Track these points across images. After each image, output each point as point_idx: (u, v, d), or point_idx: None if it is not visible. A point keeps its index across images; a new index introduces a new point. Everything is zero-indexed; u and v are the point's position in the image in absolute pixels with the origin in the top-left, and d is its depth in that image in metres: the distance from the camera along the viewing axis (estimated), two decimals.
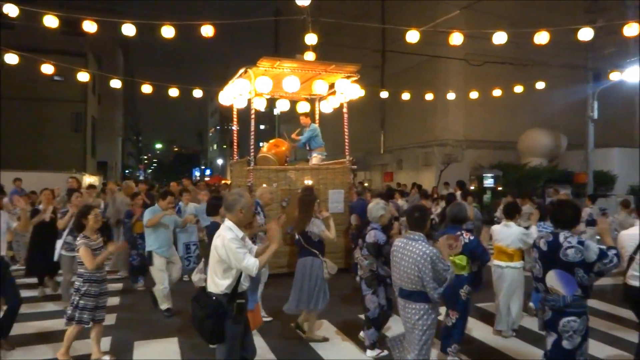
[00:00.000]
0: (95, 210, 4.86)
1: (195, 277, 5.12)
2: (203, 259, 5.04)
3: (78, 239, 4.65)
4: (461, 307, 4.78)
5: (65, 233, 6.51)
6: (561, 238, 3.51)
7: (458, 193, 10.73)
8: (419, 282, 3.67)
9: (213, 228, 4.27)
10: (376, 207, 5.12)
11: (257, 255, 3.50)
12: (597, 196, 9.78)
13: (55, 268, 7.29)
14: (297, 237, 5.56)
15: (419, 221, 3.87)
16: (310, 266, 5.31)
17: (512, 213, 5.77)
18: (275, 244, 3.50)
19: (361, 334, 5.37)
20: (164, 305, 6.45)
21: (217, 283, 3.42)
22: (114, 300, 7.02)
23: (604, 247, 3.54)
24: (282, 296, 5.70)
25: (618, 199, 17.68)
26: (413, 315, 3.78)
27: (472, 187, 18.96)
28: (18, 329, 5.57)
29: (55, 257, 6.56)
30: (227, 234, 3.37)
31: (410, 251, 3.73)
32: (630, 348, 5.29)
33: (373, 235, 4.96)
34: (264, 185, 8.05)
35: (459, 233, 4.70)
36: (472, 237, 4.78)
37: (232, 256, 3.32)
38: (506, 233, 5.62)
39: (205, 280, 3.66)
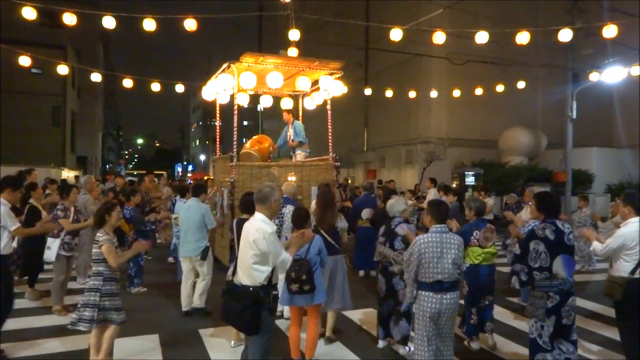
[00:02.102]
0: (118, 207, 4.76)
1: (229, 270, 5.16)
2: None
3: (100, 235, 4.47)
4: (493, 291, 5.38)
5: (63, 232, 6.21)
6: (560, 225, 3.84)
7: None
8: (458, 268, 3.90)
9: (241, 222, 4.32)
10: (399, 202, 5.21)
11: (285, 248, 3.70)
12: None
13: (39, 269, 7.08)
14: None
15: (444, 214, 4.06)
16: (338, 263, 5.18)
17: None
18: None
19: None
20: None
21: (254, 275, 3.48)
22: None
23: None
24: None
25: (596, 197, 18.13)
26: (454, 305, 3.91)
27: (454, 185, 19.20)
28: (20, 324, 5.63)
29: (52, 257, 6.18)
30: (267, 228, 3.47)
31: (450, 242, 3.90)
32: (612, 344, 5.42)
33: (406, 227, 4.98)
34: (290, 178, 8.30)
35: (492, 226, 5.23)
36: None
37: (272, 250, 3.42)
38: None
39: (234, 274, 3.71)
